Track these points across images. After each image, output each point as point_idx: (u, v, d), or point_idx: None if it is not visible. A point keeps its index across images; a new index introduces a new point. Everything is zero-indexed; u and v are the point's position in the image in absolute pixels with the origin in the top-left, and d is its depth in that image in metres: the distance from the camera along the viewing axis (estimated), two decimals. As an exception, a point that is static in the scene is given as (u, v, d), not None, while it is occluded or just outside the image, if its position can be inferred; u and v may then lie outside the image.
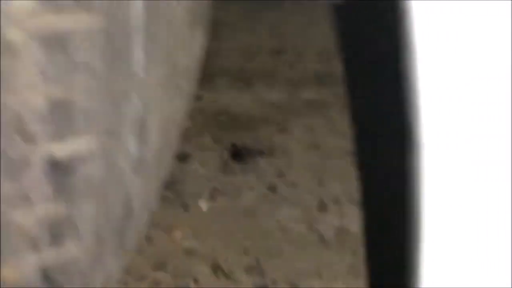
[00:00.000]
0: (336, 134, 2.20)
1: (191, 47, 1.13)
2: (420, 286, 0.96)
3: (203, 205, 1.89)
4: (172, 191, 1.95)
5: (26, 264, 1.02)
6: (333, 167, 2.07)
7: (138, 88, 1.04)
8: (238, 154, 2.08)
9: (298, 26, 2.65)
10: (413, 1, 0.87)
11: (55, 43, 0.94)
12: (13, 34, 0.92)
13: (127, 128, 1.05)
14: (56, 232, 1.03)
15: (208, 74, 2.26)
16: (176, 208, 1.91)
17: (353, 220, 1.88)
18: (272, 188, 2.00)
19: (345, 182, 2.00)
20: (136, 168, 1.10)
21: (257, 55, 2.57)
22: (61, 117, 0.98)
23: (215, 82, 2.45)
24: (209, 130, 2.23)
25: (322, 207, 1.92)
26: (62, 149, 0.99)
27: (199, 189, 1.98)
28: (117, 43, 0.98)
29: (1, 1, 0.90)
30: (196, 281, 1.68)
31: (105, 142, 1.03)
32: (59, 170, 1.00)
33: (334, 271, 1.74)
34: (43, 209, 1.01)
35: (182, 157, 2.08)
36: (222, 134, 2.21)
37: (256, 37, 2.55)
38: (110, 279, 1.14)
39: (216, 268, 1.74)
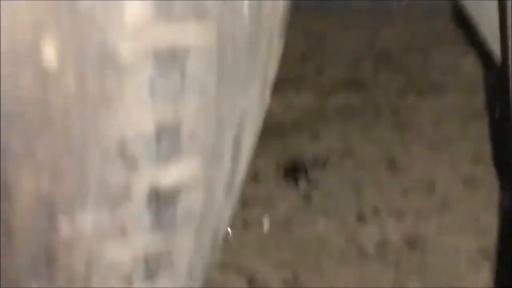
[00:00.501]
0: (370, 141, 2.10)
1: (278, 55, 1.02)
2: None
3: (266, 223, 1.78)
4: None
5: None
6: (370, 175, 1.97)
7: (240, 106, 0.93)
8: (296, 170, 1.97)
9: (328, 29, 2.56)
10: None
11: (169, 58, 0.81)
12: (124, 49, 0.78)
13: (227, 150, 0.94)
14: (152, 267, 0.92)
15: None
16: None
17: (394, 231, 1.79)
18: (307, 198, 1.90)
19: (383, 191, 1.91)
20: (227, 193, 0.99)
21: (285, 59, 2.47)
22: (167, 140, 0.85)
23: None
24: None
25: (361, 218, 1.83)
26: (165, 177, 0.87)
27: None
28: (228, 57, 0.87)
29: (112, 12, 0.76)
30: (232, 295, 1.61)
31: (208, 167, 0.91)
32: (161, 200, 0.89)
33: (376, 285, 1.66)
34: (140, 243, 0.90)
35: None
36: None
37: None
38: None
39: (252, 282, 1.65)
